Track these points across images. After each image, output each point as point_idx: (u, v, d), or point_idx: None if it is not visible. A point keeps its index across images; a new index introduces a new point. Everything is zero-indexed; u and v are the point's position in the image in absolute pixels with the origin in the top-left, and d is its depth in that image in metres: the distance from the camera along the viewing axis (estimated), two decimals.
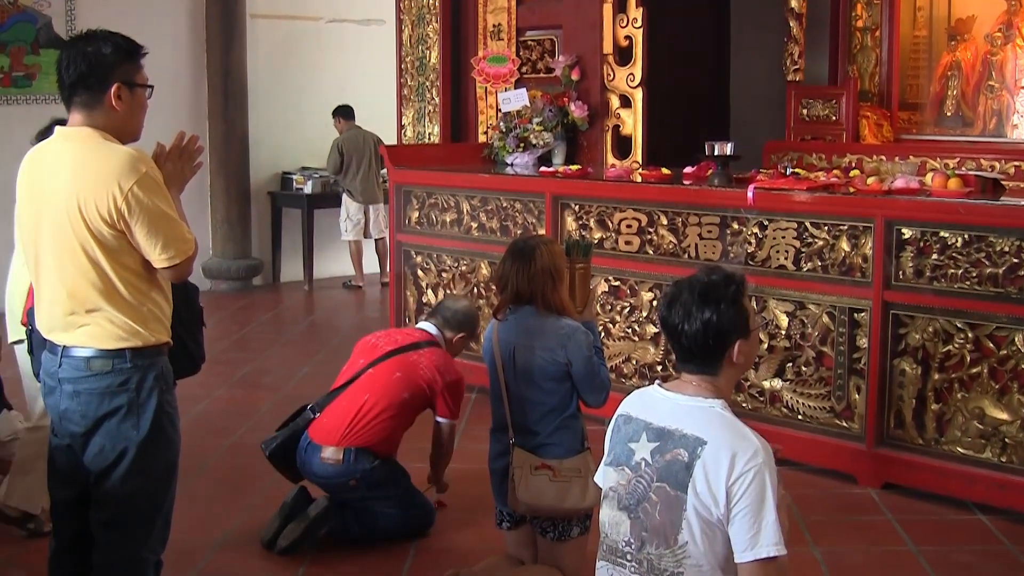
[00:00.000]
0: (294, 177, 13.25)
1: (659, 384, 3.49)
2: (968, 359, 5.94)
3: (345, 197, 12.86)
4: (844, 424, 6.39)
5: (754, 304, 6.26)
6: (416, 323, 6.67)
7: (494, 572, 4.93)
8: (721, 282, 3.37)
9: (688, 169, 7.63)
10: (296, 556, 5.39)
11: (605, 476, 3.49)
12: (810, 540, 5.56)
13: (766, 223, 6.58)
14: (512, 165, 8.90)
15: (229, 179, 12.71)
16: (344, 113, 12.83)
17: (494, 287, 5.04)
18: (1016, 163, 8.93)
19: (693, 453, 3.23)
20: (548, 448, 4.71)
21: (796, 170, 7.35)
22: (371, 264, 13.34)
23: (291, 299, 12.62)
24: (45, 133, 4.87)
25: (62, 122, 3.98)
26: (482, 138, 9.73)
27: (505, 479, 4.76)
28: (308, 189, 13.07)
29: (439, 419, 5.70)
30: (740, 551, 3.18)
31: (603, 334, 7.26)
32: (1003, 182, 7.00)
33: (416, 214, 8.66)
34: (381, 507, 5.55)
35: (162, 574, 4.13)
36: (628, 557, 3.38)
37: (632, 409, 3.49)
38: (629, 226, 7.24)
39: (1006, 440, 5.86)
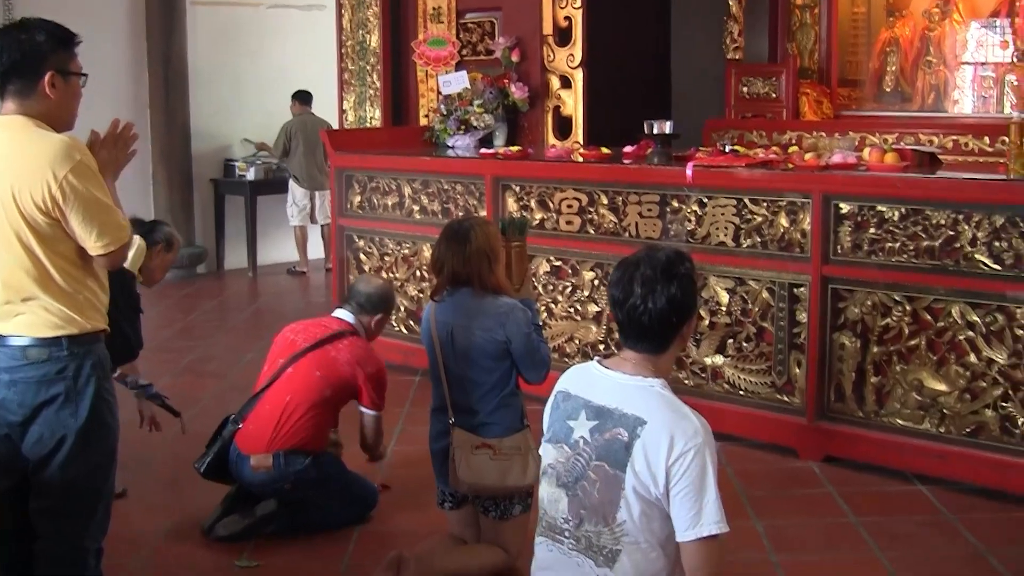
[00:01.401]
0: (236, 164, 13.17)
1: (598, 361, 3.50)
2: (906, 332, 5.99)
3: (291, 183, 12.86)
4: (785, 399, 6.44)
5: None
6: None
7: (437, 553, 4.92)
8: (676, 258, 3.38)
9: (628, 148, 7.64)
10: (239, 542, 5.37)
11: (544, 453, 3.51)
12: (752, 514, 5.59)
13: (705, 200, 6.61)
14: (453, 147, 8.91)
15: (171, 167, 12.62)
16: (301, 98, 12.82)
17: (430, 270, 5.04)
18: (954, 137, 9.05)
19: (632, 432, 3.24)
20: (488, 427, 4.73)
21: (735, 147, 7.39)
22: (316, 250, 13.31)
23: (235, 286, 12.58)
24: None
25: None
26: (423, 121, 9.73)
27: (446, 460, 4.77)
28: (251, 176, 13.01)
29: (363, 409, 5.57)
30: (683, 530, 3.20)
31: (545, 314, 7.29)
32: (940, 156, 7.07)
33: (358, 198, 8.65)
34: (322, 501, 5.50)
35: (106, 563, 4.12)
36: (566, 534, 3.40)
37: (571, 386, 3.50)
38: (570, 206, 7.25)
39: (944, 411, 5.92)
